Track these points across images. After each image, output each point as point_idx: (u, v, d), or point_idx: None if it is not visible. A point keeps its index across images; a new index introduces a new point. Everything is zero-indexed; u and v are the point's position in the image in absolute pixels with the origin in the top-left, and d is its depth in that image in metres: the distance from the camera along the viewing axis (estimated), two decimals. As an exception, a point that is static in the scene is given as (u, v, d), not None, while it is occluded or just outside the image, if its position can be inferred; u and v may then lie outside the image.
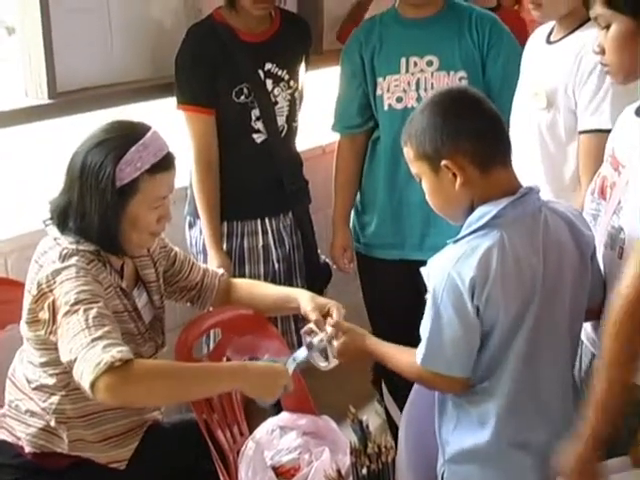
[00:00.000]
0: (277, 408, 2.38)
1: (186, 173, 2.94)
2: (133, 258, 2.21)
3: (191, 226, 2.99)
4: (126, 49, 2.98)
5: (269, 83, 2.88)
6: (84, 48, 2.83)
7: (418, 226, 2.88)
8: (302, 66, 3.03)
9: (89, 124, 2.43)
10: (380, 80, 2.86)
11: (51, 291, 1.96)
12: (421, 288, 2.73)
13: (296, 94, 2.97)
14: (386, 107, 2.87)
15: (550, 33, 2.54)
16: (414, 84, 2.83)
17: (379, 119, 2.92)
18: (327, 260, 3.15)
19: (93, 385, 1.79)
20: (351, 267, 3.12)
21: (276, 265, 2.95)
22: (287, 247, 2.99)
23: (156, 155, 2.05)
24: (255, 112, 2.87)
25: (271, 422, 2.27)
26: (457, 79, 2.81)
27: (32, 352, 2.10)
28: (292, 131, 2.99)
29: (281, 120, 2.92)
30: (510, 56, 2.78)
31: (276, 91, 2.90)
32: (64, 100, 2.73)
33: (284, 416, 2.30)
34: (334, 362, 2.13)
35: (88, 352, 1.81)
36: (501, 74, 2.81)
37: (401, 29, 2.86)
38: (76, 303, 1.90)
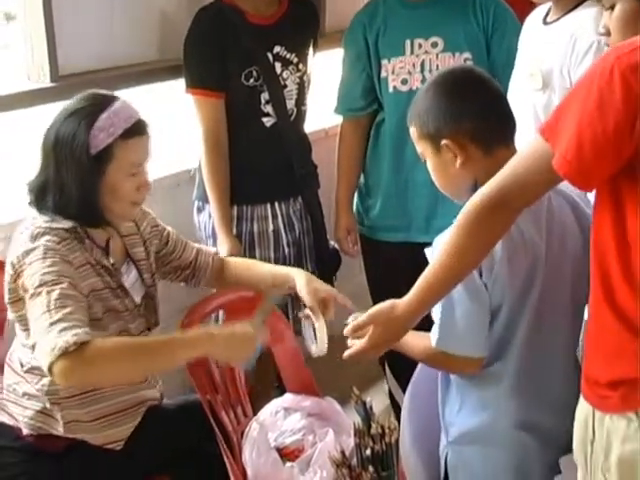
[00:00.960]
0: (281, 390, 2.40)
1: (191, 156, 2.94)
2: (122, 237, 2.22)
3: (200, 210, 2.98)
4: (129, 32, 2.96)
5: (278, 66, 2.87)
6: (86, 31, 2.81)
7: (424, 208, 2.88)
8: (310, 49, 3.01)
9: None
10: (385, 62, 2.85)
11: (22, 271, 1.98)
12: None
13: (305, 77, 2.95)
14: (391, 89, 2.86)
15: (547, 14, 2.53)
16: (419, 66, 2.82)
17: (383, 101, 2.91)
18: (336, 246, 3.14)
19: (50, 370, 1.81)
20: (355, 250, 3.11)
21: (286, 250, 2.95)
22: (297, 232, 2.98)
23: (127, 121, 2.05)
24: (265, 95, 2.85)
25: (275, 403, 2.28)
26: (462, 60, 2.81)
27: (20, 333, 2.11)
28: (301, 115, 2.98)
29: (290, 104, 2.91)
30: (514, 37, 2.77)
31: (285, 74, 2.88)
32: (66, 83, 2.72)
33: (288, 397, 2.31)
34: (324, 348, 2.10)
35: (44, 337, 1.83)
36: (506, 55, 2.80)
37: (405, 11, 2.85)
38: (40, 285, 1.91)
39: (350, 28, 2.98)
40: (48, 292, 1.90)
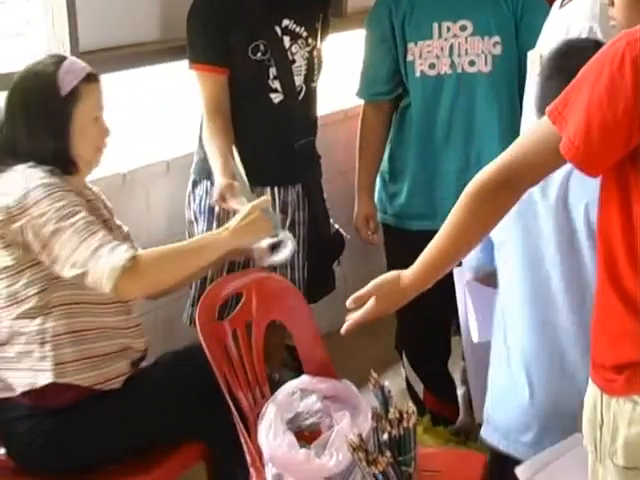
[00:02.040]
0: (298, 371, 2.40)
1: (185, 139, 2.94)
2: (88, 201, 2.26)
3: (196, 184, 2.89)
4: (152, 8, 2.95)
5: (286, 40, 2.81)
6: (107, 7, 2.80)
7: (453, 195, 2.82)
8: (319, 24, 2.94)
9: (112, 84, 2.44)
10: (411, 45, 2.82)
11: (22, 214, 2.05)
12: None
13: (314, 52, 2.89)
14: (418, 73, 2.82)
15: None
16: (447, 50, 2.79)
17: (409, 86, 2.87)
18: (341, 230, 3.10)
19: (116, 290, 1.99)
20: (375, 238, 3.07)
21: None
22: (289, 221, 2.90)
23: (85, 68, 2.23)
24: (272, 70, 2.79)
25: (291, 385, 2.27)
26: (492, 44, 2.78)
27: (5, 283, 2.16)
28: (310, 93, 2.91)
29: (299, 80, 2.85)
30: (543, 20, 2.73)
31: (294, 48, 2.82)
32: (87, 60, 2.70)
33: (305, 379, 2.30)
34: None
35: (96, 263, 1.99)
36: (535, 38, 2.76)
37: None
38: (60, 220, 2.03)
39: (374, 9, 2.93)
40: (72, 224, 2.03)
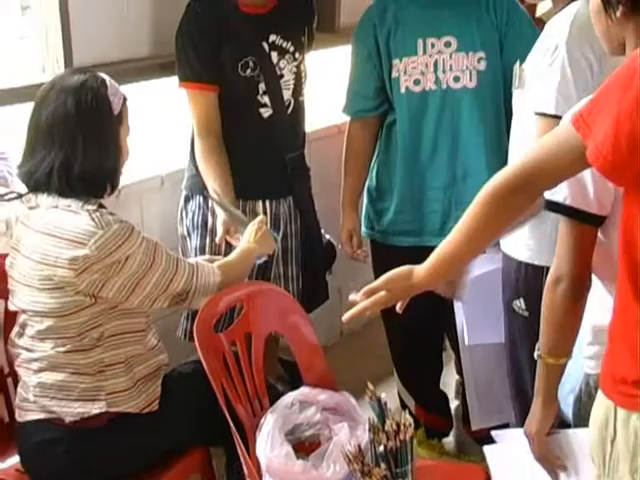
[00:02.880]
0: (286, 382, 2.41)
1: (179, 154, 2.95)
2: None
3: (188, 200, 2.93)
4: (144, 25, 2.97)
5: (274, 55, 2.84)
6: (101, 24, 2.82)
7: (439, 211, 2.84)
8: (305, 39, 2.96)
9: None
10: (396, 62, 2.80)
11: (98, 262, 2.06)
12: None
13: (302, 66, 2.93)
14: (403, 90, 2.81)
15: None
16: (432, 66, 2.78)
17: (395, 102, 2.85)
18: (332, 240, 3.13)
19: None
20: (360, 254, 3.03)
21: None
22: (281, 233, 2.93)
23: (120, 88, 2.23)
24: (262, 86, 2.83)
25: (290, 396, 2.28)
26: (476, 60, 2.77)
27: (62, 321, 2.15)
28: (299, 107, 2.94)
29: (287, 94, 2.88)
30: (529, 36, 2.74)
31: (282, 64, 2.85)
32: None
33: (304, 391, 2.31)
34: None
35: (200, 279, 2.26)
36: (519, 53, 2.78)
37: (417, 9, 2.79)
38: (154, 257, 2.16)
39: (360, 25, 2.92)
40: (159, 263, 2.17)
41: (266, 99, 2.84)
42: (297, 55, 2.90)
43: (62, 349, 2.17)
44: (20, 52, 2.98)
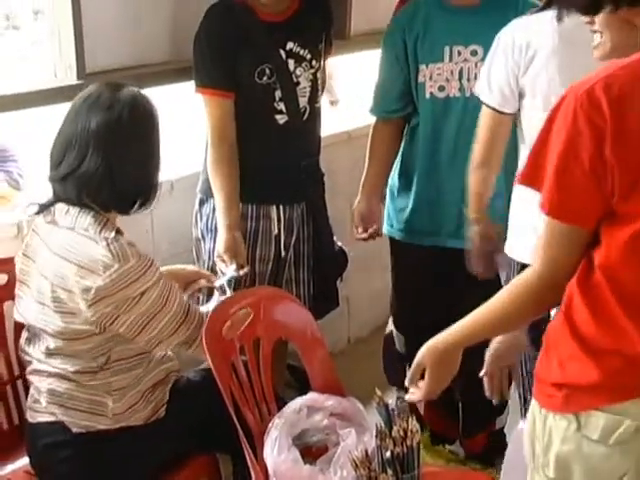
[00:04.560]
0: (300, 392, 2.41)
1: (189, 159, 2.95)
2: None
3: (202, 203, 2.95)
4: (156, 30, 2.98)
5: (291, 63, 2.85)
6: (114, 29, 2.83)
7: (455, 214, 2.86)
8: (322, 45, 2.97)
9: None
10: (422, 67, 2.84)
11: (111, 295, 2.06)
12: (453, 275, 2.77)
13: (318, 74, 2.94)
14: (427, 95, 2.85)
15: None
16: (457, 73, 2.80)
17: (419, 106, 2.90)
18: (344, 248, 3.14)
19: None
20: (365, 236, 3.02)
21: (283, 253, 2.95)
22: (294, 238, 2.96)
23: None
24: (278, 93, 2.84)
25: (298, 401, 2.29)
26: None
27: (71, 344, 2.17)
28: (314, 114, 2.96)
29: (303, 101, 2.89)
30: None
31: (298, 71, 2.87)
32: (93, 81, 2.73)
33: (312, 396, 2.32)
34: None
35: (187, 325, 2.21)
36: None
37: (446, 16, 2.82)
38: (163, 295, 2.13)
39: (389, 30, 2.95)
40: (170, 309, 2.15)
41: (282, 106, 2.86)
42: (314, 63, 2.91)
43: (71, 369, 2.18)
44: (32, 57, 2.99)
